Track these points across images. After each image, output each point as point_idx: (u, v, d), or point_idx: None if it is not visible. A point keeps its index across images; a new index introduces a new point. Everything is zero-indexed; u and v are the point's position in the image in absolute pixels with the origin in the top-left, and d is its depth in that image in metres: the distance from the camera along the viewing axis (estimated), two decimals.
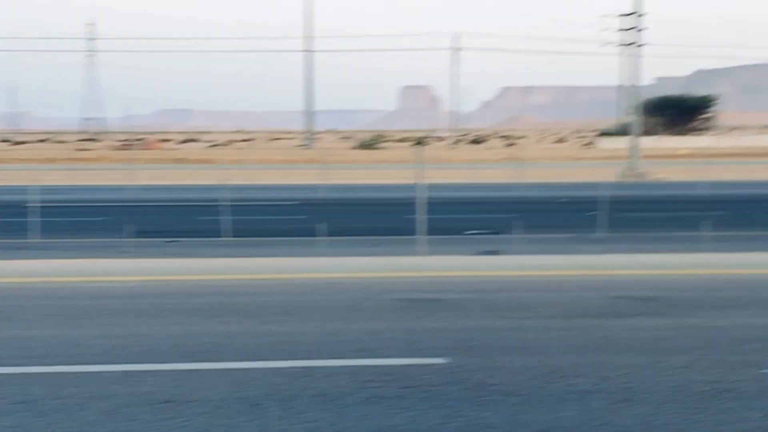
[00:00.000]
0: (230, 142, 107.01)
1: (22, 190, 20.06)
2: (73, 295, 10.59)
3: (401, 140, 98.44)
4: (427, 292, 10.83)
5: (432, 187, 16.72)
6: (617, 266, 12.51)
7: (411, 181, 16.95)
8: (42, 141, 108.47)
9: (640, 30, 51.11)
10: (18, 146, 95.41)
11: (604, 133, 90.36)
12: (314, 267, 12.49)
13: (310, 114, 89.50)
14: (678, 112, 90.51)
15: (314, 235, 14.89)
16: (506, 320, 9.08)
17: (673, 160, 46.99)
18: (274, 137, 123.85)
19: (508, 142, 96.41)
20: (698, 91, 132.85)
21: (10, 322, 8.91)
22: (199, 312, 9.50)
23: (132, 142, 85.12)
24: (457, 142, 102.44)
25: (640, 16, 51.28)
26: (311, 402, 6.16)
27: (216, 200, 17.95)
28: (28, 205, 17.18)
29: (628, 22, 51.69)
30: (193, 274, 12.06)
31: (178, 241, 15.95)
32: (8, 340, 8.01)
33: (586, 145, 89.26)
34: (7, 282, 11.38)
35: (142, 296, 10.61)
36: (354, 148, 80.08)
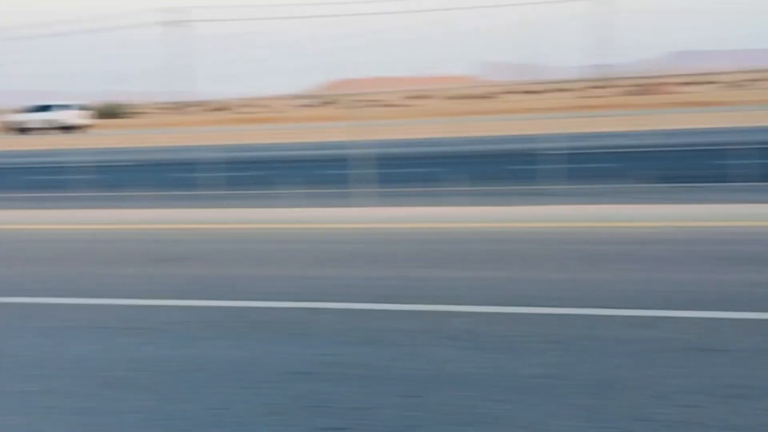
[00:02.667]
0: (742, 82, 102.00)
1: (546, 137, 20.80)
2: (595, 240, 10.90)
3: None
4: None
5: None
6: None
7: None
8: (548, 91, 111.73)
9: None
10: (528, 95, 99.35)
11: None
12: None
13: None
14: None
15: None
16: None
17: None
18: None
19: None
20: None
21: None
22: (725, 261, 9.22)
23: (641, 87, 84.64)
24: None
25: None
26: None
27: (731, 143, 17.27)
28: (548, 152, 17.82)
29: None
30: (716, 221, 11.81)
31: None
32: (546, 282, 8.39)
33: None
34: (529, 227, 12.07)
35: (660, 242, 10.59)
36: None
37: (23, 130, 56.37)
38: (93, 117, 60.20)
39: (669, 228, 11.64)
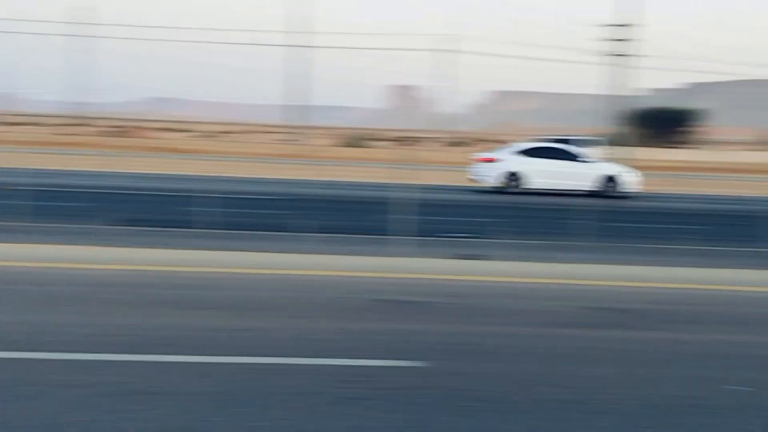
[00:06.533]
0: (215, 133, 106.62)
1: (11, 172, 19.89)
2: (55, 281, 10.53)
3: (391, 139, 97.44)
4: (406, 294, 10.76)
5: (420, 187, 16.61)
6: (596, 276, 12.49)
7: (396, 181, 16.86)
8: (28, 124, 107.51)
9: (631, 40, 51.37)
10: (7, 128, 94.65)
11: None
12: (292, 263, 12.40)
13: (300, 109, 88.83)
14: (662, 124, 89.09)
15: (295, 231, 14.76)
16: (485, 326, 9.02)
17: (655, 172, 46.90)
18: (257, 130, 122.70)
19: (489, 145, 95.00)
20: (692, 103, 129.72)
21: None
22: (174, 304, 9.41)
23: (119, 129, 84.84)
24: (447, 143, 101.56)
25: (630, 26, 51.60)
26: (282, 400, 6.09)
27: (200, 191, 17.79)
28: (18, 187, 17.00)
29: (621, 32, 51.89)
30: (169, 265, 11.96)
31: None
32: None
33: None
34: None
35: (119, 285, 10.52)
36: (340, 145, 79.82)
37: None
38: None
39: (123, 271, 11.61)
